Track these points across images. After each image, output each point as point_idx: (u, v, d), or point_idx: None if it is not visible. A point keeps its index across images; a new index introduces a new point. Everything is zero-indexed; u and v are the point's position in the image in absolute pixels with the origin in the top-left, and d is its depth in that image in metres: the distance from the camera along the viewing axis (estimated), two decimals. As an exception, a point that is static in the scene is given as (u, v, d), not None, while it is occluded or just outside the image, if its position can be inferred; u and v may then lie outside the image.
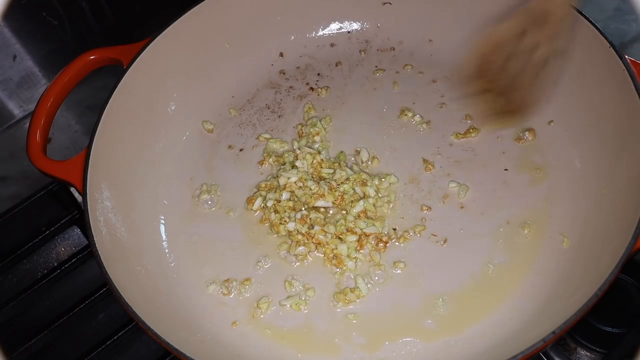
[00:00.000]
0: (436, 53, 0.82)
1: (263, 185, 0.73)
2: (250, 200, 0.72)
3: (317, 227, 0.68)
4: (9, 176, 0.91)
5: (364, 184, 0.71)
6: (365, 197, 0.70)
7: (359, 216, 0.69)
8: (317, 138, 0.76)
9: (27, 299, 0.73)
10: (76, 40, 0.94)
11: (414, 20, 0.83)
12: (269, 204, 0.71)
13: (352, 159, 0.75)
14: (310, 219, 0.68)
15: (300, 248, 0.68)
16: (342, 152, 0.75)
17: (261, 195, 0.72)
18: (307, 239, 0.68)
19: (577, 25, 0.69)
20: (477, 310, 0.63)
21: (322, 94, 0.81)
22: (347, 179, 0.70)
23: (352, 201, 0.70)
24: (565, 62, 0.66)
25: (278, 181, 0.72)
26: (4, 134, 0.95)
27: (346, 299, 0.65)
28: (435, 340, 0.62)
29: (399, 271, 0.67)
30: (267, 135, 0.78)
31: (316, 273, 0.68)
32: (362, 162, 0.74)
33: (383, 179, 0.72)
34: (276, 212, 0.70)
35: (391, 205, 0.71)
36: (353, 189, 0.70)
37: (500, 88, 0.65)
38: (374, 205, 0.70)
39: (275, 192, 0.71)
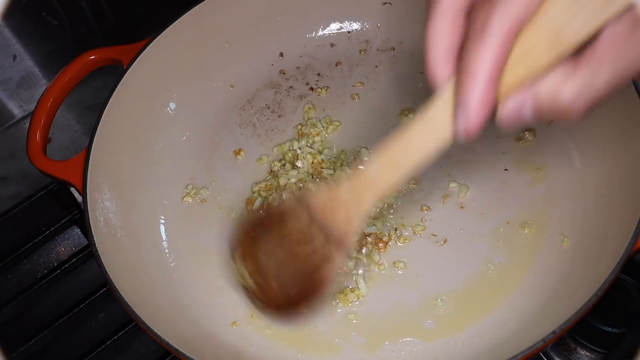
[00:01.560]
0: (436, 53, 0.82)
1: (263, 185, 0.73)
2: (250, 201, 0.72)
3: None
4: (9, 176, 0.91)
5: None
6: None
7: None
8: (317, 138, 0.76)
9: (27, 299, 0.73)
10: (76, 40, 0.94)
11: (414, 20, 0.83)
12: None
13: (352, 157, 0.75)
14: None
15: (300, 248, 0.68)
16: (343, 150, 0.75)
17: (261, 196, 0.72)
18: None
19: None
20: (477, 310, 0.63)
21: (322, 94, 0.81)
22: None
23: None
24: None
25: (278, 181, 0.72)
26: (4, 134, 0.95)
27: (346, 299, 0.65)
28: (435, 340, 0.62)
29: (399, 271, 0.67)
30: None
31: (316, 273, 0.68)
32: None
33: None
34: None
35: (392, 208, 0.71)
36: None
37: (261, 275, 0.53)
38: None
39: (276, 191, 0.71)
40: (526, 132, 0.73)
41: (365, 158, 0.74)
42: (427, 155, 0.42)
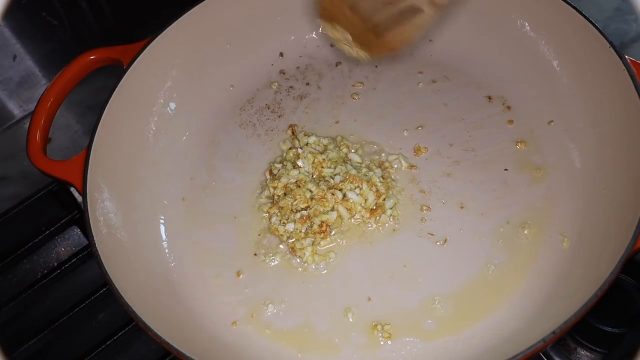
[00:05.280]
0: (436, 53, 0.82)
1: (263, 185, 0.73)
2: (250, 201, 0.72)
3: (316, 220, 0.68)
4: (9, 176, 0.91)
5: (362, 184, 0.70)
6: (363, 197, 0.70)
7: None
8: (315, 139, 0.76)
9: (27, 299, 0.73)
10: (76, 40, 0.94)
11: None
12: (269, 204, 0.71)
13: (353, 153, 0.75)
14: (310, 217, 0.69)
15: (299, 246, 0.68)
16: (343, 150, 0.75)
17: (261, 196, 0.72)
18: (309, 236, 0.68)
19: (577, 25, 0.69)
20: (477, 310, 0.63)
21: (322, 94, 0.81)
22: (344, 180, 0.70)
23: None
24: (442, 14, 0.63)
25: (279, 181, 0.72)
26: (4, 134, 0.95)
27: (347, 299, 0.65)
28: (435, 340, 0.62)
29: (399, 271, 0.67)
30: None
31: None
32: (361, 162, 0.74)
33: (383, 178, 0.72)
34: (276, 213, 0.70)
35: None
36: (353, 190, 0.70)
37: (356, 32, 0.66)
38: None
39: (276, 189, 0.71)
40: (518, 144, 0.73)
41: (357, 160, 0.74)
42: None
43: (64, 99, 0.73)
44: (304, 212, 0.69)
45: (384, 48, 0.67)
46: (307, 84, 0.83)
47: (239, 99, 0.83)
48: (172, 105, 0.80)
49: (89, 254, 0.74)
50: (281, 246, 0.69)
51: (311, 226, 0.68)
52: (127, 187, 0.72)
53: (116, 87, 0.72)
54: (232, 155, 0.78)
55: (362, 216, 0.69)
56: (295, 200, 0.69)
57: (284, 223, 0.69)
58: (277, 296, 0.67)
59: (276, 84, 0.83)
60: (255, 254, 0.70)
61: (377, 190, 0.70)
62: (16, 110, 0.96)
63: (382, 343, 0.63)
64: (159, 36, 0.75)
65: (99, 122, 0.70)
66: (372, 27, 0.66)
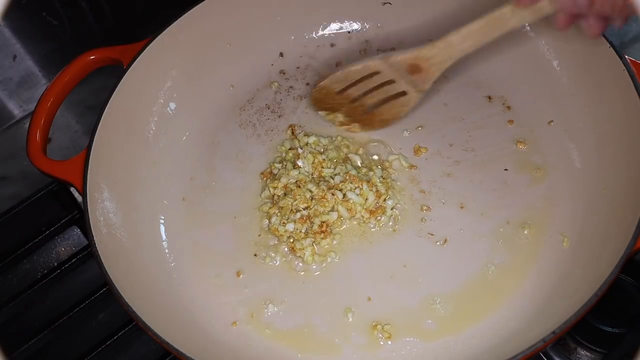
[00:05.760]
0: (436, 53, 0.82)
1: (263, 185, 0.73)
2: (250, 201, 0.72)
3: (317, 220, 0.68)
4: (9, 176, 0.91)
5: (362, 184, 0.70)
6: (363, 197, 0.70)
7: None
8: (315, 139, 0.76)
9: (27, 299, 0.73)
10: (76, 40, 0.94)
11: (414, 20, 0.83)
12: (269, 204, 0.71)
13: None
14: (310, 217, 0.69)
15: (299, 247, 0.68)
16: (344, 138, 0.75)
17: (260, 196, 0.72)
18: (309, 236, 0.68)
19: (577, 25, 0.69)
20: (477, 310, 0.63)
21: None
22: (344, 181, 0.70)
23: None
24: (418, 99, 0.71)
25: (279, 181, 0.72)
26: (4, 134, 0.95)
27: (347, 299, 0.65)
28: (435, 340, 0.62)
29: (399, 271, 0.67)
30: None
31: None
32: (361, 162, 0.74)
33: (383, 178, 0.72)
34: (276, 213, 0.70)
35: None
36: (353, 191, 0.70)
37: (344, 111, 0.75)
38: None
39: (276, 189, 0.71)
40: (518, 144, 0.73)
41: (357, 160, 0.74)
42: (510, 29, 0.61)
43: (64, 99, 0.73)
44: (304, 212, 0.69)
45: (374, 123, 0.75)
46: (307, 84, 0.83)
47: (239, 99, 0.83)
48: (172, 105, 0.80)
49: (89, 254, 0.74)
50: (281, 246, 0.69)
51: (311, 226, 0.68)
52: (127, 187, 0.72)
53: (116, 87, 0.72)
54: (232, 155, 0.78)
55: (362, 216, 0.69)
56: (295, 200, 0.69)
57: (284, 223, 0.69)
58: (277, 296, 0.67)
59: (276, 84, 0.83)
60: (255, 254, 0.70)
61: (377, 191, 0.70)
62: (16, 110, 0.96)
63: (382, 343, 0.63)
64: (159, 36, 0.75)
65: (99, 122, 0.70)
66: (362, 107, 0.73)
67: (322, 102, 0.75)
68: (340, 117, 0.76)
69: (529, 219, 0.68)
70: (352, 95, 0.72)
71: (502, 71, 0.78)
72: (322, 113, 0.77)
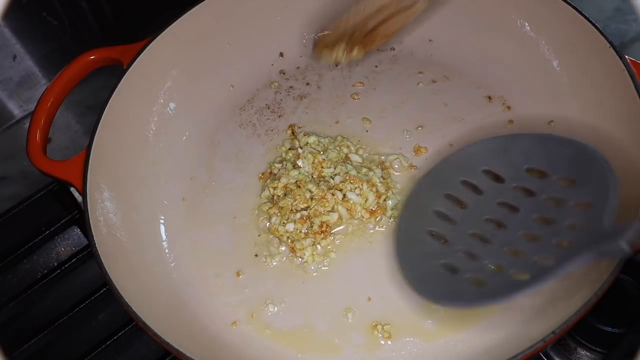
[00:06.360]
0: (436, 53, 0.82)
1: (263, 185, 0.73)
2: (250, 201, 0.72)
3: (317, 221, 0.68)
4: (9, 176, 0.91)
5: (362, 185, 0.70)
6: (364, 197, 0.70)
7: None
8: (315, 139, 0.76)
9: (27, 299, 0.73)
10: (76, 40, 0.94)
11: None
12: (269, 204, 0.71)
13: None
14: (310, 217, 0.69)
15: (299, 247, 0.68)
16: (343, 150, 0.75)
17: (260, 196, 0.72)
18: (310, 237, 0.68)
19: (577, 25, 0.69)
20: (477, 311, 0.63)
21: (323, 94, 0.81)
22: (344, 181, 0.70)
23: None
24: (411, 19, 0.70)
25: (279, 181, 0.72)
26: (4, 134, 0.95)
27: (347, 299, 0.65)
28: (435, 340, 0.62)
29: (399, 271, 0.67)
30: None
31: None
32: (361, 162, 0.74)
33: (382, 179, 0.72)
34: (276, 213, 0.70)
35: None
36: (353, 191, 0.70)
37: (346, 40, 0.72)
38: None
39: (276, 189, 0.71)
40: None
41: (357, 160, 0.74)
42: None
43: (64, 99, 0.73)
44: (304, 213, 0.69)
45: (377, 40, 0.72)
46: (307, 84, 0.83)
47: (239, 99, 0.83)
48: (172, 105, 0.80)
49: (89, 254, 0.74)
50: (281, 246, 0.69)
51: (311, 226, 0.68)
52: (127, 187, 0.72)
53: (116, 87, 0.72)
54: (232, 155, 0.78)
55: (362, 216, 0.69)
56: (295, 200, 0.69)
57: (284, 223, 0.69)
58: (277, 296, 0.67)
59: (276, 84, 0.83)
60: (255, 255, 0.70)
61: (377, 191, 0.70)
62: (16, 110, 0.96)
63: (382, 343, 0.63)
64: (159, 36, 0.75)
65: (99, 122, 0.70)
66: (365, 29, 0.70)
67: (324, 43, 0.73)
68: (341, 49, 0.73)
69: (529, 219, 0.68)
70: (357, 19, 0.71)
71: (502, 71, 0.78)
72: (323, 55, 0.74)
